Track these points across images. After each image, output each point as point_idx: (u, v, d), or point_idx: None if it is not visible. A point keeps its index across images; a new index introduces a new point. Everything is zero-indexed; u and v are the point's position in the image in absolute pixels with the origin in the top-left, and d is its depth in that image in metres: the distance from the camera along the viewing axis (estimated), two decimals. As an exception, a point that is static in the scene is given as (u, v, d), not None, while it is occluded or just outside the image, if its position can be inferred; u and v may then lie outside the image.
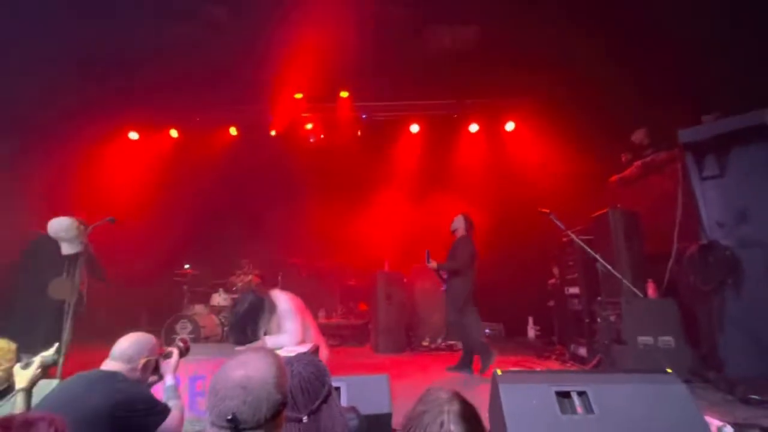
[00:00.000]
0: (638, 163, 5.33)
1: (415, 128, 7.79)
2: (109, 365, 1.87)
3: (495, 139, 7.74)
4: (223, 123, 7.95)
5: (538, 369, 4.22)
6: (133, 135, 7.87)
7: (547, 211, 3.55)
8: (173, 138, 7.99)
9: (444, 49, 6.52)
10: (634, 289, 3.24)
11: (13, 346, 2.13)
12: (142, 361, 1.94)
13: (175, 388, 2.09)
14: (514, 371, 2.80)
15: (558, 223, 3.55)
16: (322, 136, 7.95)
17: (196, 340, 5.32)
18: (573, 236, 3.66)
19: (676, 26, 4.80)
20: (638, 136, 5.40)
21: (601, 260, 3.37)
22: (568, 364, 5.10)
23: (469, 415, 1.10)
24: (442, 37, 6.52)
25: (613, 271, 3.24)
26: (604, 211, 4.57)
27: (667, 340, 3.75)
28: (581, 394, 2.53)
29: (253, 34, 6.08)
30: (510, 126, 7.63)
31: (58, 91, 5.98)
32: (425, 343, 6.56)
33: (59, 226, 3.38)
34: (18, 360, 2.04)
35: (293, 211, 7.31)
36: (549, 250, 6.56)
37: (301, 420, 1.55)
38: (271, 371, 1.12)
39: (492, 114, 7.64)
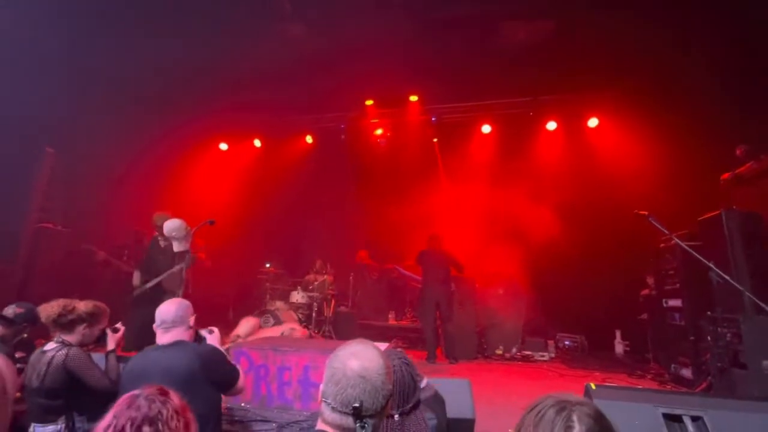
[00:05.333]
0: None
1: (486, 129, 7.56)
2: (167, 336, 2.08)
3: (576, 137, 7.21)
4: (300, 132, 8.47)
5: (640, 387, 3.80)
6: (223, 146, 8.74)
7: (646, 213, 3.20)
8: (257, 147, 8.71)
9: (517, 45, 6.27)
10: (761, 303, 2.76)
11: (107, 309, 2.47)
12: (193, 319, 2.19)
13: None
14: (611, 386, 2.55)
15: (660, 227, 3.18)
16: (392, 140, 8.08)
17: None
18: (679, 242, 3.26)
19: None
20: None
21: (716, 269, 2.95)
22: (668, 386, 4.54)
23: (598, 415, 1.02)
24: (516, 32, 6.27)
25: (732, 281, 2.81)
26: (716, 213, 4.00)
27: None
28: (696, 419, 2.23)
29: (326, 46, 6.41)
30: (593, 122, 7.06)
31: (162, 109, 6.89)
32: (499, 352, 6.29)
33: (173, 226, 3.88)
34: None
35: (365, 215, 7.52)
36: (642, 258, 5.92)
37: (392, 417, 1.58)
38: (382, 362, 1.18)
39: (572, 110, 7.14)
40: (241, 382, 2.19)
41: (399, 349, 1.84)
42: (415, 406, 1.61)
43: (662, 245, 5.07)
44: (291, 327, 5.38)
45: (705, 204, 4.54)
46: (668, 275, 4.90)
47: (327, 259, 7.42)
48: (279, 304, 6.46)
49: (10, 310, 2.62)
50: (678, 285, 4.67)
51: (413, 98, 7.67)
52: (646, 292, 5.84)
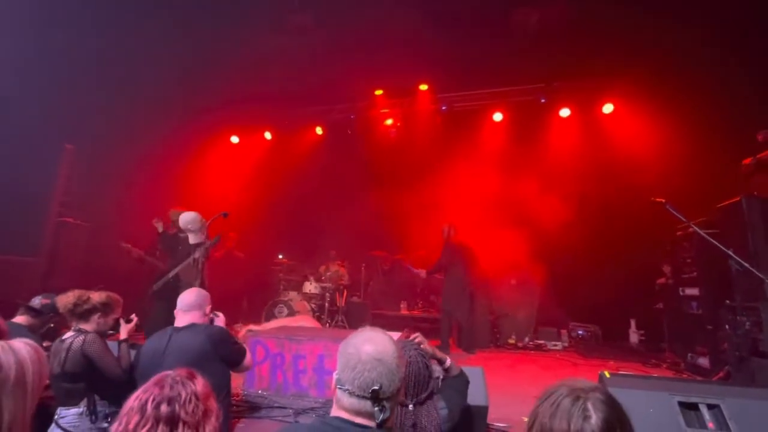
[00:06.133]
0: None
1: (498, 117, 7.45)
2: (185, 318, 2.34)
3: (590, 124, 7.05)
4: (310, 123, 8.47)
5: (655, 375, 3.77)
6: (234, 139, 8.81)
7: (663, 200, 3.13)
8: (267, 140, 8.75)
9: (530, 30, 6.13)
10: (781, 292, 2.70)
11: (120, 300, 2.56)
12: (208, 308, 2.45)
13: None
14: (625, 375, 2.54)
15: (677, 214, 3.11)
16: (402, 130, 8.04)
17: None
18: (697, 229, 3.19)
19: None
20: None
21: (735, 257, 2.88)
22: (685, 375, 4.49)
23: (611, 401, 1.02)
24: (528, 17, 6.13)
25: (752, 269, 2.74)
26: (736, 199, 3.89)
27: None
28: (713, 407, 2.21)
29: (335, 37, 6.37)
30: (608, 108, 6.89)
31: (174, 103, 6.96)
32: (511, 341, 6.30)
33: (188, 219, 3.96)
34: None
35: (376, 205, 7.52)
36: (657, 246, 5.81)
37: (406, 406, 1.60)
38: (394, 347, 1.19)
39: (586, 96, 6.98)
40: (247, 359, 2.46)
41: (416, 337, 1.82)
42: (429, 396, 1.63)
43: (679, 233, 4.97)
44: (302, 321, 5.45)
45: (723, 191, 4.42)
46: (685, 264, 4.81)
47: (339, 249, 7.49)
48: (292, 294, 6.56)
49: (36, 301, 2.73)
50: (695, 273, 4.58)
51: (423, 87, 7.59)
52: (662, 280, 5.75)
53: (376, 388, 1.09)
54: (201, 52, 6.28)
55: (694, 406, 2.22)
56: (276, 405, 3.03)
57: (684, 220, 3.20)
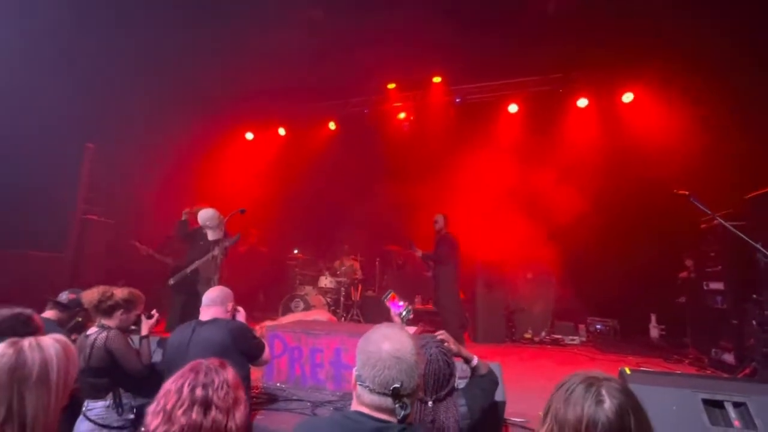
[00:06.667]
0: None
1: (513, 108, 7.32)
2: (208, 312, 2.43)
3: (609, 114, 6.86)
4: (323, 118, 8.49)
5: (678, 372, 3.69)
6: (249, 135, 8.90)
7: (686, 192, 3.03)
8: (281, 136, 8.82)
9: (546, 18, 5.96)
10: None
11: (143, 296, 2.63)
12: (231, 305, 2.55)
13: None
14: (646, 371, 2.49)
15: (702, 206, 3.01)
16: (415, 123, 7.99)
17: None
18: (723, 222, 3.08)
19: None
20: None
21: (763, 250, 2.78)
22: (708, 372, 4.37)
23: (627, 390, 1.03)
24: (544, 4, 5.96)
25: (781, 263, 2.64)
26: (765, 190, 3.75)
27: None
28: (738, 405, 2.15)
29: (346, 31, 6.32)
30: (627, 97, 6.69)
31: (189, 101, 7.06)
32: (528, 336, 6.25)
33: (206, 215, 4.04)
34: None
35: (390, 199, 7.51)
36: (679, 239, 5.66)
37: (425, 402, 1.61)
38: (412, 343, 1.20)
39: (605, 85, 6.79)
40: (266, 354, 2.55)
41: (440, 335, 1.79)
42: (449, 393, 1.63)
43: (703, 226, 4.83)
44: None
45: (750, 181, 4.26)
46: (709, 257, 4.67)
47: (353, 244, 7.52)
48: (308, 289, 6.63)
49: (63, 296, 2.82)
50: (720, 267, 4.45)
51: (436, 79, 7.50)
52: (684, 274, 5.60)
53: (396, 386, 1.11)
54: (214, 49, 6.33)
55: (719, 404, 2.17)
56: (294, 398, 3.08)
57: (708, 212, 3.10)
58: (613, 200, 6.46)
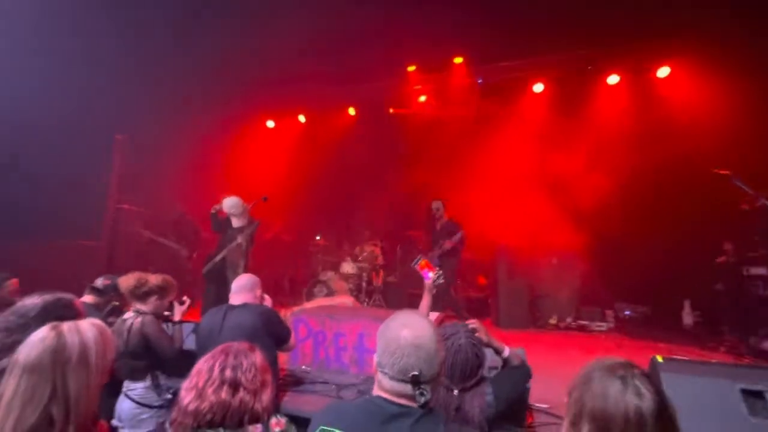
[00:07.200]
0: None
1: (539, 88, 7.03)
2: (239, 297, 2.53)
3: (642, 90, 6.48)
4: (342, 104, 8.44)
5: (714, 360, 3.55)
6: (270, 123, 8.97)
7: (728, 173, 2.85)
8: (301, 123, 8.84)
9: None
10: None
11: (175, 283, 2.72)
12: (259, 292, 2.64)
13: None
14: (680, 360, 2.39)
15: (744, 187, 2.83)
16: (437, 106, 7.82)
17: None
18: (768, 203, 2.88)
19: None
20: None
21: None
22: (747, 360, 4.19)
23: (648, 374, 1.06)
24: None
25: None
26: (816, 169, 3.48)
27: None
28: (781, 396, 2.04)
29: (363, 13, 6.17)
30: (663, 71, 6.29)
31: (211, 92, 7.15)
32: (553, 321, 6.14)
33: (230, 203, 4.13)
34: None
35: (411, 184, 7.46)
36: (715, 222, 5.36)
37: (451, 391, 1.60)
38: (432, 330, 1.20)
39: (638, 60, 6.39)
40: (292, 340, 2.65)
41: (471, 323, 1.76)
42: (477, 383, 1.61)
43: (744, 207, 4.53)
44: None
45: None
46: (753, 241, 4.41)
47: (374, 230, 7.54)
48: (330, 274, 6.72)
49: (99, 282, 2.97)
50: (763, 252, 4.19)
51: (458, 60, 7.27)
52: (722, 259, 5.32)
53: (415, 373, 1.11)
54: (235, 40, 6.34)
55: (759, 394, 2.07)
56: (319, 380, 3.16)
57: (751, 192, 2.91)
58: (644, 181, 6.16)
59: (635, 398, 0.97)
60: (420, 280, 2.34)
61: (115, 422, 2.37)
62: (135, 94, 6.22)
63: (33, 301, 1.60)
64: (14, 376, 1.12)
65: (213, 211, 4.80)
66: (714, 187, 5.01)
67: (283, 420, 1.30)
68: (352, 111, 8.43)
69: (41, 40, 5.09)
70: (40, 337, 1.18)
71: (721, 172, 2.86)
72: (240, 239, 4.12)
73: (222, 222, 4.71)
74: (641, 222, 6.15)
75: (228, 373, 1.23)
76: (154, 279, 2.59)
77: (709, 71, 5.74)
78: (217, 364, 1.25)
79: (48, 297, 1.62)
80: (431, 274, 2.20)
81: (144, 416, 2.39)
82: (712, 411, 2.05)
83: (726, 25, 5.26)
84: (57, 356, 1.15)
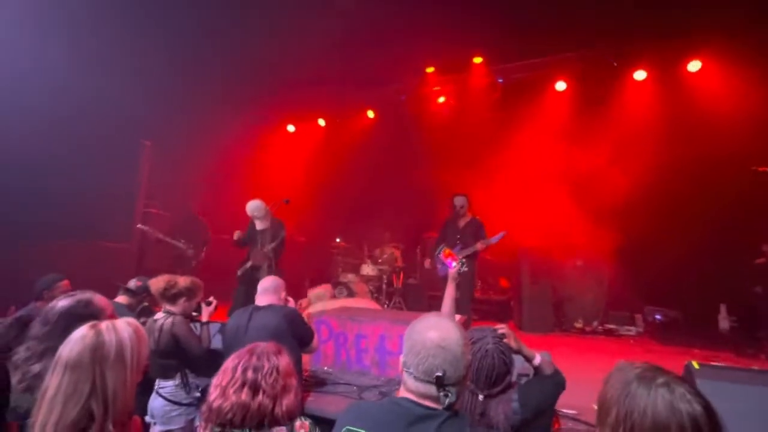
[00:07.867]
0: None
1: (561, 86, 6.87)
2: (264, 299, 2.59)
3: (671, 86, 6.23)
4: (361, 107, 8.50)
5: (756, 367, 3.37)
6: (291, 127, 9.14)
7: (767, 170, 2.70)
8: (321, 127, 8.96)
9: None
10: None
11: (202, 285, 2.79)
12: (284, 294, 2.70)
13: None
14: (717, 366, 2.29)
15: (786, 184, 2.68)
16: (456, 107, 7.76)
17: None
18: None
19: None
20: None
21: None
22: (788, 368, 3.95)
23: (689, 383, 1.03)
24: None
25: None
26: None
27: None
28: (830, 407, 1.92)
29: (380, 17, 6.18)
30: (694, 66, 6.03)
31: (233, 98, 7.33)
32: (578, 325, 5.98)
33: (253, 206, 4.22)
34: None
35: (431, 186, 7.42)
36: (755, 222, 5.10)
37: (476, 395, 1.58)
38: (459, 333, 1.19)
39: (668, 54, 6.15)
40: (315, 341, 2.68)
41: (501, 328, 1.69)
42: (504, 390, 1.58)
43: (786, 206, 4.30)
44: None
45: None
46: (793, 242, 4.16)
47: (394, 232, 7.54)
48: (351, 276, 6.76)
49: (131, 283, 3.09)
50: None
51: (477, 60, 7.19)
52: (761, 261, 5.06)
53: (439, 374, 1.11)
54: (255, 45, 6.48)
55: (804, 404, 1.95)
56: (341, 381, 3.18)
57: (795, 191, 2.75)
58: (675, 180, 5.92)
59: (686, 405, 0.94)
60: (440, 281, 2.33)
61: (147, 418, 2.46)
62: (159, 101, 6.42)
63: (53, 307, 1.67)
64: (57, 374, 1.18)
65: (235, 238, 4.74)
66: (751, 185, 4.78)
67: (308, 423, 1.31)
68: (371, 114, 8.47)
69: (80, 49, 5.32)
70: (81, 335, 1.24)
71: (761, 169, 2.71)
72: (267, 248, 4.23)
73: (245, 236, 4.69)
74: (671, 223, 5.91)
75: (249, 374, 1.24)
76: (182, 281, 2.67)
77: (744, 64, 5.48)
78: (241, 364, 1.26)
79: (64, 301, 1.67)
80: (455, 263, 2.19)
81: (174, 413, 2.47)
82: (752, 421, 1.95)
83: (762, 16, 5.01)
84: (96, 353, 1.20)
